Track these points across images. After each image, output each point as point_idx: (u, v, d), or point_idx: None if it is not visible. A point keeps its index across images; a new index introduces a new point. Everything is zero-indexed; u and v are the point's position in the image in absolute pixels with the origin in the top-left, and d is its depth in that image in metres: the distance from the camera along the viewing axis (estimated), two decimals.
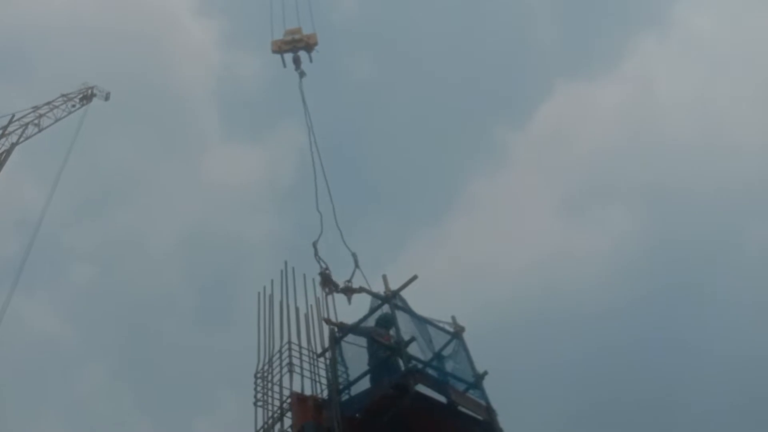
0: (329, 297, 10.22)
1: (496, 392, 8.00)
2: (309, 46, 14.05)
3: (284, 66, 13.90)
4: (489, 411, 7.68)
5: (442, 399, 7.51)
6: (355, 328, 8.61)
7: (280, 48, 14.05)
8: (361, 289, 9.05)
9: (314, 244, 9.99)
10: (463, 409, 7.59)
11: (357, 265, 9.66)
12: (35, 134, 27.31)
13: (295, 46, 14.00)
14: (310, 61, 14.03)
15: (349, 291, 9.24)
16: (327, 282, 9.40)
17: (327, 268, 9.57)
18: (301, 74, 13.72)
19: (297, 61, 13.89)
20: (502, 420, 7.68)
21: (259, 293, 10.03)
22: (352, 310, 9.37)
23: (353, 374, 8.12)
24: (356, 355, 8.33)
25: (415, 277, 8.84)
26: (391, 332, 8.06)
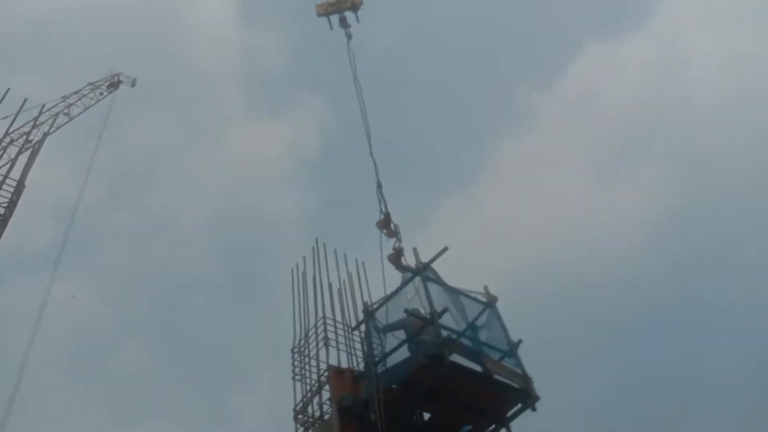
0: (361, 272, 10.33)
1: (532, 358, 8.01)
2: (354, 5, 13.81)
3: (331, 28, 13.73)
4: (525, 378, 7.71)
5: (477, 368, 7.55)
6: (387, 301, 8.67)
7: (325, 10, 13.86)
8: (405, 268, 9.07)
9: (378, 184, 10.02)
10: (499, 378, 7.62)
11: (380, 191, 9.74)
12: (65, 123, 27.82)
13: (341, 7, 13.81)
14: (357, 21, 13.83)
15: (398, 256, 9.28)
16: (387, 225, 9.48)
17: (388, 212, 9.65)
18: (349, 36, 13.56)
19: (344, 22, 13.70)
20: (538, 387, 7.71)
21: (292, 270, 10.20)
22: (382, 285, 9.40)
23: (388, 346, 8.20)
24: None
25: (445, 249, 8.83)
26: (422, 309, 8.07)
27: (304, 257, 10.18)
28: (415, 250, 8.88)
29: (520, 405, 7.70)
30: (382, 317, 8.68)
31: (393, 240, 9.45)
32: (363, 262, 10.46)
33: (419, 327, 7.83)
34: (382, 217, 9.65)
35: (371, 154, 10.57)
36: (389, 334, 8.21)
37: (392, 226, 9.56)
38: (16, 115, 23.10)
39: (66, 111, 28.00)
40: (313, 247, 10.25)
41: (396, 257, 9.27)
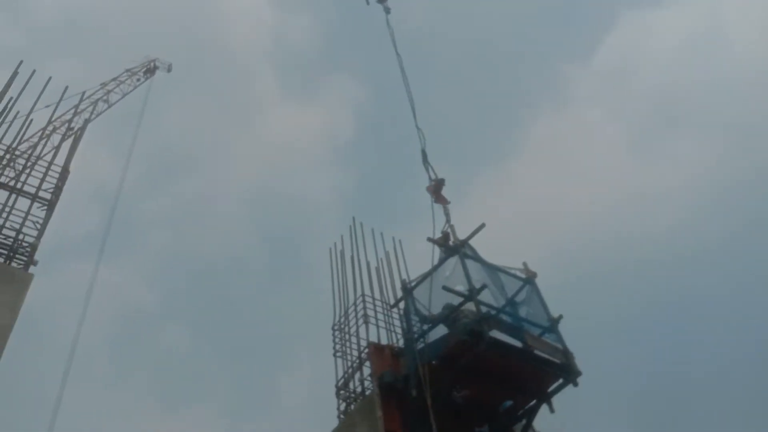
0: (398, 250, 10.37)
1: (572, 338, 7.95)
2: None
3: (368, 3, 13.74)
4: (566, 354, 7.66)
5: (517, 344, 7.53)
6: (425, 278, 8.70)
7: None
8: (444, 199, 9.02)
9: (423, 151, 9.94)
10: (539, 353, 7.60)
11: (425, 159, 9.66)
12: (105, 110, 28.46)
13: None
14: None
15: (440, 188, 9.25)
16: (438, 190, 9.42)
17: (437, 178, 9.57)
18: (387, 9, 13.51)
19: None
20: (580, 362, 7.66)
21: (330, 249, 10.32)
22: (421, 263, 9.41)
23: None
24: (429, 305, 8.42)
25: (482, 226, 8.79)
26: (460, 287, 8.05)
27: (341, 237, 10.28)
28: (451, 227, 8.87)
29: (561, 380, 7.67)
30: (420, 294, 8.73)
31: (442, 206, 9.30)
32: (400, 240, 10.50)
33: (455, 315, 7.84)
34: (432, 183, 9.52)
35: (416, 125, 10.44)
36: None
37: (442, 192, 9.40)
38: (58, 103, 23.69)
39: (105, 98, 28.62)
40: (350, 227, 10.33)
41: (437, 188, 9.24)
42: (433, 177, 9.48)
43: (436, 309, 8.32)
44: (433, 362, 7.61)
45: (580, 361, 7.75)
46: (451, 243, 8.81)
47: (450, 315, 7.79)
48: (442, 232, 9.17)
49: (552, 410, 7.74)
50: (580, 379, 7.67)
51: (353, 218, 10.42)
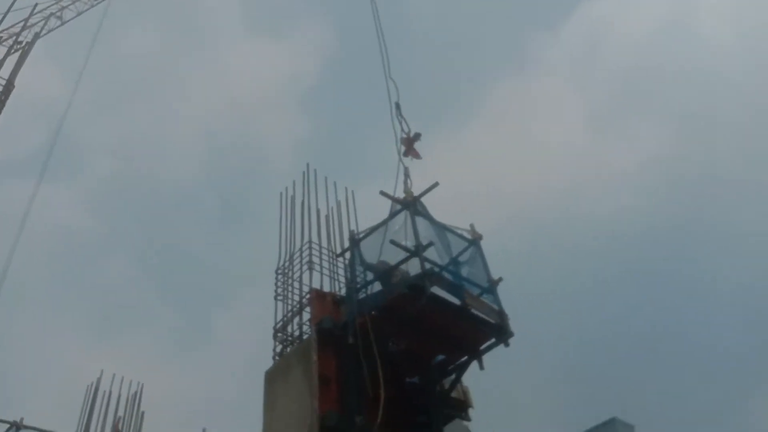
0: (350, 200, 10.36)
1: (514, 303, 8.19)
2: None
3: None
4: (501, 315, 7.92)
5: (456, 301, 7.73)
6: (373, 231, 8.76)
7: None
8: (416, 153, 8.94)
9: (396, 103, 9.68)
10: (476, 312, 7.82)
11: (399, 112, 9.54)
12: (58, 27, 26.98)
13: None
14: None
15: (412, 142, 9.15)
16: (411, 144, 9.28)
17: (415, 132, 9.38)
18: None
19: None
20: (514, 324, 7.93)
21: (281, 193, 10.23)
22: (371, 216, 9.45)
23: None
24: (375, 257, 8.50)
25: (436, 184, 8.87)
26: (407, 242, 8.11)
27: (294, 182, 10.19)
28: (405, 182, 8.91)
29: (493, 339, 7.93)
30: (367, 247, 8.79)
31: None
32: (352, 191, 10.48)
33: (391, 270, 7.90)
34: (406, 135, 9.36)
35: (388, 75, 10.20)
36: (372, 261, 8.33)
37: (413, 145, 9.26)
38: (5, 14, 22.44)
39: (59, 14, 27.13)
40: (303, 173, 10.24)
41: (412, 141, 9.17)
42: (406, 130, 9.36)
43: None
44: (373, 313, 7.74)
45: (514, 324, 8.03)
46: (403, 198, 8.86)
47: (386, 272, 7.90)
48: (405, 192, 9.15)
49: (482, 367, 8.02)
50: (513, 341, 7.96)
51: (307, 164, 10.32)
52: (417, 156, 9.18)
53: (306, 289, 8.88)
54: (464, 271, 8.32)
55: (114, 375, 15.13)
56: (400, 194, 8.88)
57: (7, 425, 14.08)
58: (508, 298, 8.26)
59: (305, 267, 9.10)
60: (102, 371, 15.15)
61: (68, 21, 27.53)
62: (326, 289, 8.95)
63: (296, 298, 8.95)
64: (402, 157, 9.24)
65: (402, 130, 9.44)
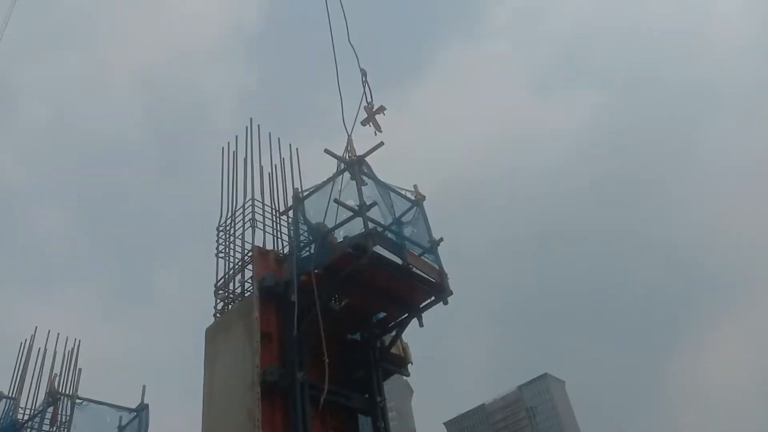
0: (294, 158, 10.24)
1: (450, 259, 8.40)
2: None
3: None
4: (441, 274, 8.12)
5: (397, 260, 7.87)
6: (317, 189, 8.73)
7: None
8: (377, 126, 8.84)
9: (363, 71, 9.37)
10: (417, 271, 8.00)
11: (365, 81, 9.37)
12: None
13: None
14: None
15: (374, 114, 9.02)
16: (373, 115, 9.06)
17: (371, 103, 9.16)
18: None
19: None
20: (452, 282, 8.16)
21: (222, 148, 9.99)
22: (316, 175, 9.38)
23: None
24: (319, 216, 8.51)
25: (381, 144, 8.86)
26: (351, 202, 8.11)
27: (236, 137, 9.96)
28: (349, 140, 8.87)
29: (433, 298, 8.15)
30: (312, 205, 8.77)
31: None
32: (297, 149, 10.35)
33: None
34: (370, 105, 9.14)
35: (349, 40, 9.93)
36: (316, 219, 8.34)
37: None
38: None
39: None
40: (246, 127, 10.02)
41: (375, 112, 9.03)
42: (370, 100, 9.17)
43: (329, 221, 8.41)
44: (317, 271, 7.79)
45: (453, 283, 8.26)
46: (348, 157, 8.83)
47: (324, 236, 7.93)
48: (352, 155, 9.02)
49: (421, 324, 8.25)
50: (452, 300, 8.21)
51: (250, 119, 10.09)
52: (378, 128, 9.07)
53: (248, 246, 8.82)
54: (407, 232, 8.45)
55: (49, 332, 14.68)
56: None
57: None
58: (448, 256, 8.47)
59: (248, 224, 9.01)
60: (36, 328, 14.71)
61: None
62: (269, 247, 8.91)
63: (238, 255, 8.88)
64: (360, 124, 9.09)
65: (366, 98, 9.22)
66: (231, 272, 8.83)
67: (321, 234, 8.05)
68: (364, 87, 9.22)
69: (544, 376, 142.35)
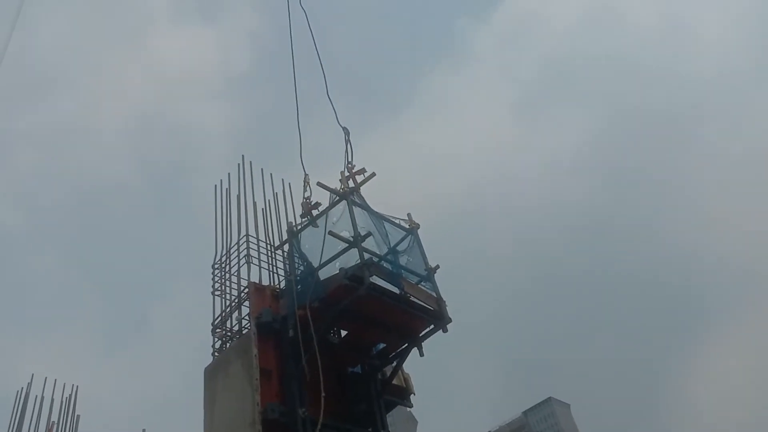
0: (287, 193, 10.29)
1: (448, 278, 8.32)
2: None
3: None
4: (438, 301, 8.09)
5: (395, 290, 7.84)
6: (311, 222, 8.74)
7: None
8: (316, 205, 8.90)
9: (346, 129, 9.47)
10: (415, 299, 7.96)
11: (348, 140, 9.44)
12: None
13: None
14: None
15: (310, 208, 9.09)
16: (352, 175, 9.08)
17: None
18: None
19: None
20: (452, 312, 8.12)
21: (216, 186, 10.02)
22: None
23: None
24: (314, 249, 8.50)
25: (373, 174, 8.94)
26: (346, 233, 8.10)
27: (228, 174, 9.99)
28: (342, 173, 8.92)
29: (432, 326, 8.10)
30: (306, 238, 8.77)
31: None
32: (289, 183, 10.39)
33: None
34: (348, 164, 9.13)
35: (327, 93, 10.10)
36: (312, 252, 8.33)
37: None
38: None
39: None
40: (238, 165, 10.06)
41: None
42: (350, 159, 9.22)
43: (324, 254, 8.39)
44: (313, 304, 7.75)
45: (452, 312, 8.22)
46: (341, 189, 8.87)
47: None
48: (342, 183, 9.01)
49: (422, 354, 8.18)
50: (452, 328, 8.15)
51: (242, 156, 10.15)
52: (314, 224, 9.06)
53: (244, 283, 8.77)
54: (402, 260, 8.45)
55: (46, 378, 14.43)
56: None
57: None
58: (447, 288, 8.45)
59: (243, 261, 8.98)
60: (33, 375, 14.46)
61: None
62: (265, 282, 8.87)
63: (234, 292, 8.83)
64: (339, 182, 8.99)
65: (348, 160, 9.23)
66: (228, 309, 8.77)
67: (314, 268, 8.01)
68: (347, 145, 9.36)
69: (549, 400, 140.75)
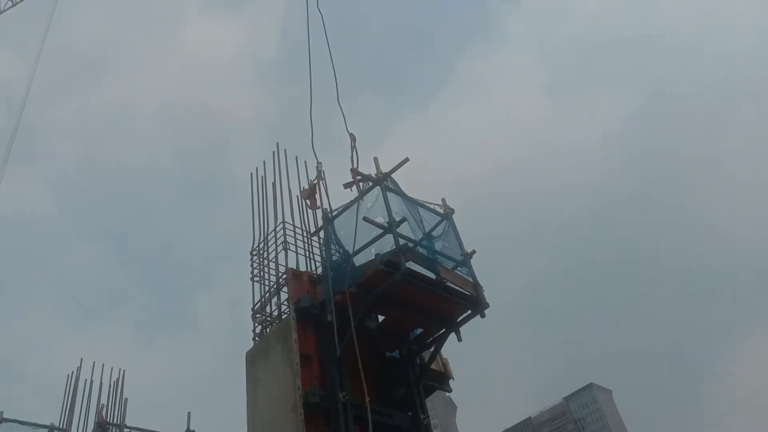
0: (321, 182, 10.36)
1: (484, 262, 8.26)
2: None
3: None
4: (475, 286, 8.05)
5: (431, 275, 7.83)
6: (347, 209, 8.78)
7: None
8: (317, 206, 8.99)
9: (352, 135, 9.59)
10: (451, 285, 7.94)
11: (354, 146, 9.51)
12: (8, 8, 26.16)
13: None
14: None
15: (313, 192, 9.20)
16: (312, 195, 9.24)
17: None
18: None
19: None
20: (488, 294, 8.07)
21: (252, 174, 10.16)
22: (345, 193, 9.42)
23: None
24: (349, 235, 8.54)
25: (406, 160, 8.89)
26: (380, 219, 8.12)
27: (264, 162, 10.12)
28: (375, 159, 8.91)
29: (469, 311, 8.07)
30: (341, 224, 8.81)
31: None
32: (324, 171, 10.43)
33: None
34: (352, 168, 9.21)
35: (338, 100, 10.16)
36: (346, 238, 8.37)
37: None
38: None
39: None
40: (273, 152, 10.17)
41: (310, 193, 9.21)
42: (355, 165, 9.25)
43: (359, 239, 8.43)
44: (351, 290, 7.80)
45: (490, 297, 8.16)
46: (374, 175, 8.87)
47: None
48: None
49: (459, 339, 8.17)
50: (491, 313, 8.10)
51: (277, 144, 10.25)
52: (313, 208, 9.10)
53: (282, 269, 8.90)
54: (438, 246, 8.41)
55: (94, 363, 15.01)
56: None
57: None
58: (484, 272, 8.39)
59: (280, 247, 9.11)
60: (82, 359, 15.03)
61: (20, 2, 26.65)
62: (302, 268, 8.98)
63: (273, 278, 8.97)
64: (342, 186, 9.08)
65: (354, 165, 9.29)
66: (267, 295, 8.91)
67: (350, 254, 8.05)
68: (352, 152, 9.37)
69: (590, 386, 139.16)
